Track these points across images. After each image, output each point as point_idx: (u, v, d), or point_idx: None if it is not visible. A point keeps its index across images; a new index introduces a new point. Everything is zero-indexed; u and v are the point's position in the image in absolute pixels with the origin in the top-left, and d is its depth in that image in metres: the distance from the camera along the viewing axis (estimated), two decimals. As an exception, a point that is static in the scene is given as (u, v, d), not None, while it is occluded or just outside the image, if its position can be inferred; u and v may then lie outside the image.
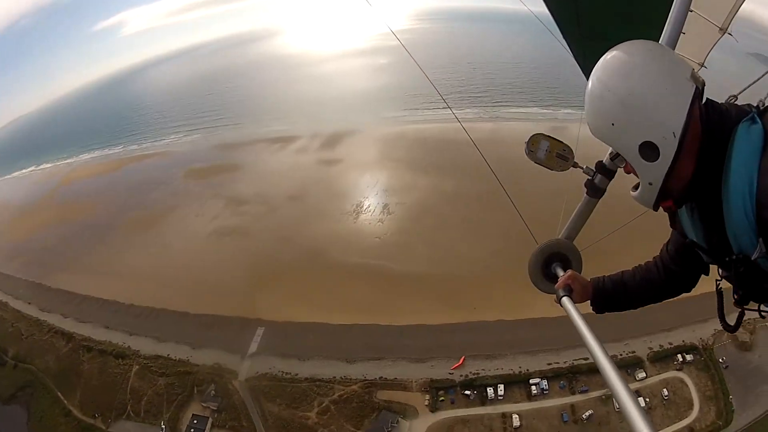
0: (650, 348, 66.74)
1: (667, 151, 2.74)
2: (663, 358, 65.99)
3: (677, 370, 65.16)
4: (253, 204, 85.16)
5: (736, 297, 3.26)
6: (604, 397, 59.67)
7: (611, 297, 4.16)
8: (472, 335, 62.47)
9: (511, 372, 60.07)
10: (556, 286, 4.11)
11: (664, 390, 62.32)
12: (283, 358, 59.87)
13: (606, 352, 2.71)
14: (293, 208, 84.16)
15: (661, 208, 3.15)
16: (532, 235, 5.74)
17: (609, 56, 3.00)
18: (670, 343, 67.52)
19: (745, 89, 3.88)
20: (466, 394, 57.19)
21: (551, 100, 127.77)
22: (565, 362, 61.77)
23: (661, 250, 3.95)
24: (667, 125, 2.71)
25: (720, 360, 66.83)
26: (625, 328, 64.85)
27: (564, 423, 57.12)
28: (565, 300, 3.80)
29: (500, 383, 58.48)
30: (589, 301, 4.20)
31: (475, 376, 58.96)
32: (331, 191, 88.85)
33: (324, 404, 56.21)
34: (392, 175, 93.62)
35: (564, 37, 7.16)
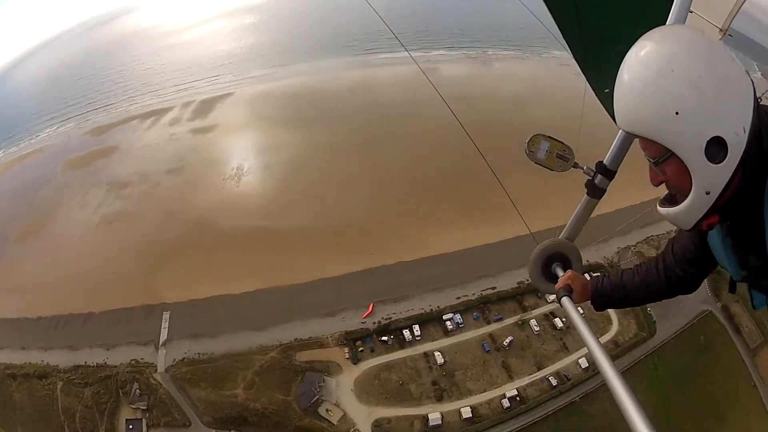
0: None
1: (736, 151, 2.48)
2: None
3: None
4: (135, 185, 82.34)
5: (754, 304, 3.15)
6: (520, 322, 61.11)
7: (610, 298, 4.15)
8: (375, 281, 62.53)
9: (422, 311, 60.34)
10: (556, 286, 4.18)
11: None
12: (196, 339, 58.54)
13: (605, 352, 2.79)
14: (174, 181, 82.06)
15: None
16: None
17: (660, 34, 2.67)
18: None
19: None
20: (384, 341, 57.25)
21: (422, 44, 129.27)
22: (473, 294, 62.59)
23: (665, 253, 3.93)
24: (741, 117, 2.45)
25: None
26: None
27: (486, 353, 57.80)
28: (565, 300, 3.88)
29: (414, 324, 58.67)
30: (589, 301, 4.20)
31: (388, 321, 59.11)
32: (209, 159, 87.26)
33: (248, 378, 55.32)
34: (267, 134, 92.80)
35: (564, 37, 7.04)
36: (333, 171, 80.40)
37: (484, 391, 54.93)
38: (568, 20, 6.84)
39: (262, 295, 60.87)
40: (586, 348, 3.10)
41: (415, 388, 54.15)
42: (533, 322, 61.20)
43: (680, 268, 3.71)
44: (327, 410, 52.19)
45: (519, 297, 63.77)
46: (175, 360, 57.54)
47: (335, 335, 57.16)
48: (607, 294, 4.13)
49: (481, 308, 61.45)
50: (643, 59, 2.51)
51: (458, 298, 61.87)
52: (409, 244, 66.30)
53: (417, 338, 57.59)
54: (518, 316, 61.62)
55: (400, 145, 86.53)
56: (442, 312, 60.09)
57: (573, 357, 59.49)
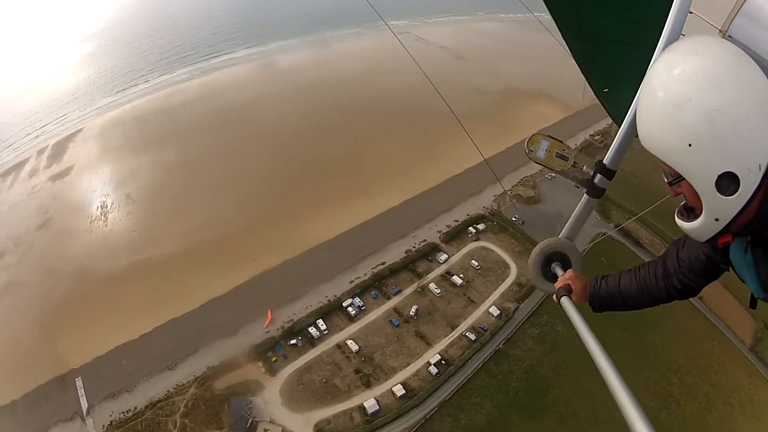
0: (439, 231, 70.86)
1: (748, 186, 2.49)
2: (456, 235, 70.32)
3: (475, 241, 69.61)
4: (11, 252, 78.57)
5: None
6: (419, 289, 62.84)
7: (608, 301, 4.10)
8: (265, 287, 62.89)
9: (321, 304, 61.22)
10: (555, 285, 4.17)
11: (473, 262, 66.39)
12: (115, 398, 56.65)
13: (605, 352, 2.76)
14: (46, 237, 78.93)
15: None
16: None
17: (682, 52, 2.66)
18: (456, 221, 72.48)
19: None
20: (294, 344, 57.61)
21: (259, 39, 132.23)
22: (365, 274, 64.16)
23: (666, 258, 3.87)
24: (756, 154, 2.43)
25: (514, 218, 72.76)
26: (406, 222, 66.70)
27: (397, 327, 59.12)
28: (565, 300, 3.81)
29: (317, 319, 59.37)
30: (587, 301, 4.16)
31: (291, 323, 59.47)
32: (72, 204, 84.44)
33: (178, 424, 54.15)
34: (122, 163, 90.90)
35: (564, 38, 7.02)
36: (194, 185, 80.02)
37: (408, 365, 55.91)
38: (568, 20, 6.86)
39: (161, 333, 59.84)
40: (588, 350, 2.98)
41: (340, 381, 54.55)
42: (432, 285, 62.83)
43: (684, 276, 3.71)
44: (265, 430, 51.84)
45: (411, 265, 65.47)
46: (104, 426, 55.50)
47: (245, 352, 56.79)
48: (604, 297, 4.11)
49: (377, 286, 62.68)
50: (664, 81, 2.56)
51: (351, 282, 63.04)
52: (288, 240, 66.85)
53: (324, 332, 58.05)
54: (416, 284, 63.18)
55: (255, 143, 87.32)
56: (340, 300, 60.91)
57: (482, 308, 61.36)
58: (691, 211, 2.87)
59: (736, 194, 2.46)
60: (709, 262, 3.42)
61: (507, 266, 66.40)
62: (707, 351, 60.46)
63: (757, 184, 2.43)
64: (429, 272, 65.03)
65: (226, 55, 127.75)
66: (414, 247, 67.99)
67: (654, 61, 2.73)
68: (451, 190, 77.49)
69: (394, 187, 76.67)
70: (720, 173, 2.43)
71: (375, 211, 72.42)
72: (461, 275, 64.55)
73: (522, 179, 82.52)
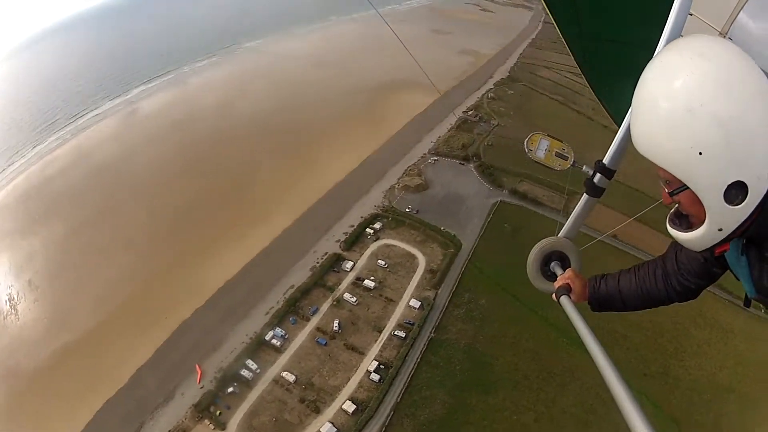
0: (338, 240, 71.29)
1: (756, 194, 2.39)
2: (356, 240, 70.93)
3: (375, 240, 70.55)
4: None
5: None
6: (335, 302, 62.94)
7: (608, 301, 4.02)
8: (186, 340, 61.45)
9: (245, 344, 60.40)
10: (554, 284, 4.11)
11: (380, 261, 67.20)
12: None
13: (605, 352, 2.70)
14: None
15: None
16: None
17: (687, 54, 2.43)
18: (352, 226, 73.24)
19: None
20: (232, 392, 56.14)
21: (121, 88, 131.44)
22: (278, 302, 63.81)
23: (666, 259, 3.75)
24: (766, 161, 2.32)
25: (408, 209, 74.63)
26: (304, 239, 68.08)
27: (325, 346, 58.92)
28: (564, 299, 3.77)
29: (246, 359, 58.39)
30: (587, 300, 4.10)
31: (221, 371, 57.99)
32: None
33: None
34: (15, 249, 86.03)
35: (563, 38, 6.91)
36: (87, 254, 77.18)
37: (349, 379, 55.92)
38: (567, 21, 6.81)
39: (101, 417, 56.30)
40: (587, 349, 2.96)
41: (289, 415, 53.73)
42: (347, 295, 63.29)
43: (683, 278, 3.63)
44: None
45: (320, 282, 65.61)
46: None
47: (188, 414, 54.59)
48: (604, 296, 4.04)
49: (293, 310, 62.50)
50: (669, 84, 2.42)
51: (267, 313, 62.50)
52: (193, 287, 65.55)
53: (257, 371, 57.26)
54: (330, 299, 63.42)
55: (137, 194, 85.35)
56: (262, 334, 60.23)
57: (402, 305, 62.49)
58: (685, 219, 2.87)
59: (743, 204, 2.42)
60: (707, 264, 3.38)
61: (414, 257, 67.92)
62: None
63: (764, 192, 2.40)
64: (339, 283, 65.34)
65: (92, 111, 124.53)
66: (318, 263, 68.10)
67: (651, 64, 2.59)
68: (339, 197, 78.50)
69: (284, 207, 76.61)
70: (730, 182, 2.37)
71: (271, 235, 72.12)
72: (372, 278, 65.31)
73: (407, 169, 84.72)
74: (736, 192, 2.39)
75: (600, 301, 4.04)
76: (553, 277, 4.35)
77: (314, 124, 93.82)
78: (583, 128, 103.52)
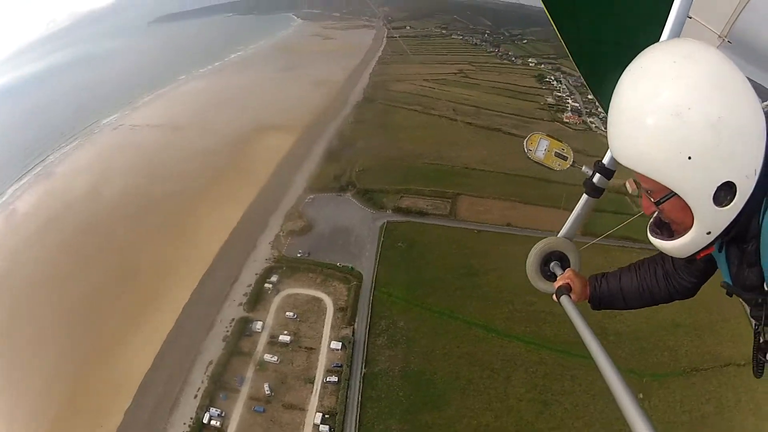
0: (240, 303, 69.27)
1: (744, 193, 2.38)
2: (258, 299, 69.24)
3: (277, 294, 69.17)
4: None
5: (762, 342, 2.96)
6: (258, 366, 61.01)
7: (609, 300, 4.04)
8: None
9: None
10: (554, 284, 4.11)
11: (288, 313, 66.08)
12: None
13: (605, 351, 2.68)
14: None
15: None
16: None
17: (671, 57, 2.35)
18: (249, 285, 71.28)
19: None
20: None
21: None
22: (202, 381, 60.57)
23: (665, 257, 3.74)
24: (753, 161, 2.33)
25: (299, 254, 74.06)
26: (206, 311, 66.00)
27: (264, 412, 56.88)
28: (564, 299, 3.79)
29: None
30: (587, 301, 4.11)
31: None
32: None
33: None
34: None
35: (562, 38, 6.67)
36: None
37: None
38: (566, 21, 6.70)
39: None
40: (587, 349, 2.86)
41: None
42: (267, 356, 61.65)
43: (681, 277, 3.65)
44: None
45: (236, 350, 63.27)
46: None
47: None
48: (605, 296, 4.03)
49: (220, 385, 59.54)
50: (654, 89, 2.29)
51: (195, 396, 58.87)
52: (113, 387, 60.42)
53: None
54: (252, 364, 61.25)
55: (28, 303, 76.35)
56: (199, 419, 56.42)
57: (324, 350, 61.73)
58: (666, 227, 2.87)
59: (732, 204, 2.42)
60: (700, 263, 3.41)
61: (320, 300, 67.08)
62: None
63: (751, 190, 2.41)
64: (256, 346, 63.18)
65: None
66: (228, 331, 65.29)
67: (628, 71, 2.51)
68: (228, 258, 75.76)
69: (178, 281, 72.62)
70: (720, 183, 2.36)
71: (173, 313, 68.17)
72: (285, 332, 63.76)
73: (287, 213, 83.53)
74: (725, 193, 2.38)
75: (601, 300, 4.07)
76: (552, 278, 4.37)
77: (186, 190, 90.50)
78: (446, 129, 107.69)
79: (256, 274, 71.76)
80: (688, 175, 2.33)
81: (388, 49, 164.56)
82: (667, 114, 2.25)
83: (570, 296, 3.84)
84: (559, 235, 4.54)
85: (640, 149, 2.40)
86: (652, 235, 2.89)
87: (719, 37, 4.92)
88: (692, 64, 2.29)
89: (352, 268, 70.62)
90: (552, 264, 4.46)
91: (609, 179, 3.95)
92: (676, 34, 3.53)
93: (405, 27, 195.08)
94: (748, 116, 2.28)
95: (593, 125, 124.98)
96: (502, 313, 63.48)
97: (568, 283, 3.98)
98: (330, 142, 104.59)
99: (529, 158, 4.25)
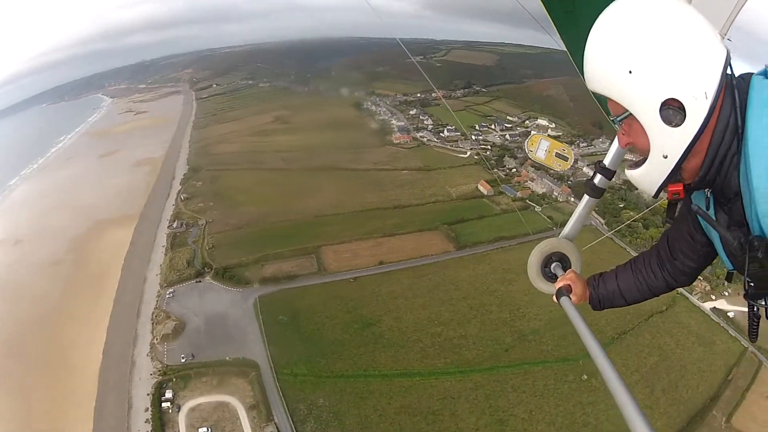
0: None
1: (696, 116, 2.41)
2: (162, 422, 61.35)
3: (178, 410, 62.15)
4: None
5: (746, 289, 2.83)
6: None
7: (610, 299, 4.04)
8: None
9: None
10: (555, 285, 4.12)
11: (201, 430, 59.83)
12: None
13: (605, 352, 2.74)
14: None
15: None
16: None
17: None
18: (146, 409, 62.99)
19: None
20: None
21: None
22: None
23: (659, 247, 3.77)
24: (701, 82, 2.37)
25: (183, 359, 67.65)
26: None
27: None
28: (564, 300, 3.84)
29: None
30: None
31: None
32: None
33: None
34: None
35: (560, 36, 6.34)
36: None
37: None
38: (564, 19, 6.20)
39: None
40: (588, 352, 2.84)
41: None
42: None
43: (679, 261, 3.54)
44: None
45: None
46: None
47: None
48: (605, 296, 3.95)
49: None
50: (606, 13, 2.50)
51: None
52: None
53: None
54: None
55: None
56: None
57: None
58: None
59: (683, 125, 2.38)
60: (695, 243, 3.36)
61: (226, 404, 61.15)
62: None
63: (704, 115, 2.36)
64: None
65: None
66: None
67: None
68: (111, 386, 65.24)
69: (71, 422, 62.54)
70: (663, 100, 2.36)
71: None
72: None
73: (152, 317, 76.00)
74: (673, 112, 2.40)
75: (602, 299, 4.07)
76: (553, 278, 4.39)
77: (41, 312, 79.73)
78: (283, 181, 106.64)
79: (149, 395, 63.46)
80: (632, 89, 2.40)
81: (200, 112, 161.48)
82: (612, 31, 2.43)
83: (570, 297, 3.86)
84: (560, 236, 4.61)
85: (592, 67, 2.55)
86: (630, 169, 2.84)
87: (719, 34, 4.93)
88: None
89: (242, 358, 65.91)
90: (553, 265, 4.50)
91: (610, 179, 4.10)
92: None
93: (211, 86, 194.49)
94: (694, 38, 2.35)
95: (425, 139, 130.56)
96: (415, 353, 63.53)
97: (568, 285, 3.99)
98: (170, 224, 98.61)
99: (530, 158, 4.51)
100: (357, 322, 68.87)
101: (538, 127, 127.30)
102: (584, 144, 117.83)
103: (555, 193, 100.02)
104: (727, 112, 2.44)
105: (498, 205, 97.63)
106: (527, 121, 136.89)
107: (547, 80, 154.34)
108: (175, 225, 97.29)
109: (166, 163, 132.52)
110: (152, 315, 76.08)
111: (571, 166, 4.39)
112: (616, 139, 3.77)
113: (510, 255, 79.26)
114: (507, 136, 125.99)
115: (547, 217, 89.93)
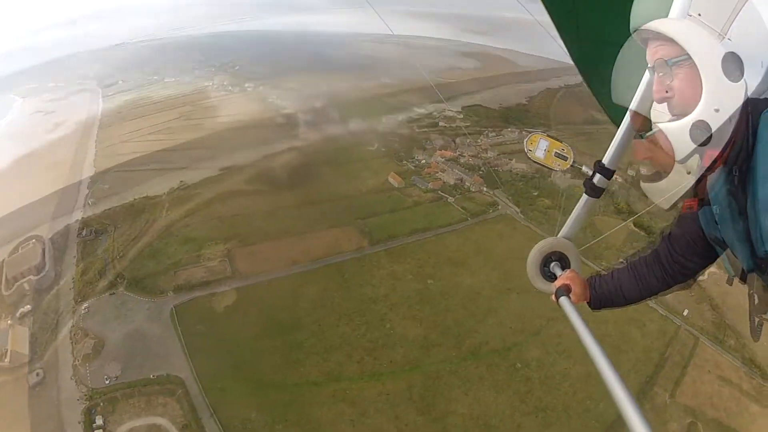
0: None
1: (751, 78, 2.50)
2: None
3: None
4: None
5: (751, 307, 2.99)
6: None
7: (609, 299, 4.16)
8: None
9: None
10: (554, 285, 4.25)
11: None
12: None
13: (604, 352, 2.79)
14: None
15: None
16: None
17: None
18: None
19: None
20: None
21: None
22: None
23: (660, 248, 3.85)
24: (762, 49, 2.47)
25: (107, 380, 65.04)
26: None
27: None
28: (564, 300, 3.93)
29: None
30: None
31: None
32: None
33: None
34: None
35: (561, 38, 6.87)
36: None
37: None
38: (565, 20, 6.72)
39: None
40: (587, 350, 2.95)
41: None
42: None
43: (679, 263, 3.67)
44: None
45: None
46: None
47: None
48: (605, 296, 4.12)
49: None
50: None
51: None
52: None
53: None
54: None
55: None
56: None
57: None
58: (658, 177, 2.98)
59: (740, 81, 2.51)
60: (697, 246, 3.51)
61: (158, 426, 58.90)
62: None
63: (758, 81, 2.53)
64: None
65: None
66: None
67: None
68: (39, 416, 62.09)
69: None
70: (728, 51, 2.52)
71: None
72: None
73: (71, 336, 71.77)
74: (734, 66, 2.56)
75: (601, 299, 4.24)
76: (553, 278, 4.55)
77: None
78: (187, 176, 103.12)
79: (79, 423, 60.78)
80: (699, 32, 2.62)
81: (106, 110, 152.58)
82: None
83: (569, 297, 4.02)
84: (558, 236, 4.73)
85: (655, 5, 2.79)
86: (643, 182, 3.07)
87: (719, 35, 5.80)
88: None
89: (167, 375, 63.70)
90: (552, 264, 4.65)
91: (609, 179, 4.22)
92: None
93: (118, 82, 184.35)
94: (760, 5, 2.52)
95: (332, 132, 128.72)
96: (341, 357, 63.36)
97: (567, 284, 4.15)
98: (79, 232, 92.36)
99: (529, 158, 4.46)
100: (276, 327, 67.73)
101: (446, 119, 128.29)
102: (493, 134, 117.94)
103: (467, 183, 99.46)
104: (744, 129, 2.55)
105: (410, 197, 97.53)
106: (434, 113, 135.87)
107: (455, 71, 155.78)
108: (84, 233, 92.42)
109: (73, 167, 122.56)
110: (70, 333, 72.43)
111: (571, 164, 4.31)
112: (615, 138, 3.99)
113: (426, 248, 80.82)
114: (415, 128, 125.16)
115: (461, 207, 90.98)
